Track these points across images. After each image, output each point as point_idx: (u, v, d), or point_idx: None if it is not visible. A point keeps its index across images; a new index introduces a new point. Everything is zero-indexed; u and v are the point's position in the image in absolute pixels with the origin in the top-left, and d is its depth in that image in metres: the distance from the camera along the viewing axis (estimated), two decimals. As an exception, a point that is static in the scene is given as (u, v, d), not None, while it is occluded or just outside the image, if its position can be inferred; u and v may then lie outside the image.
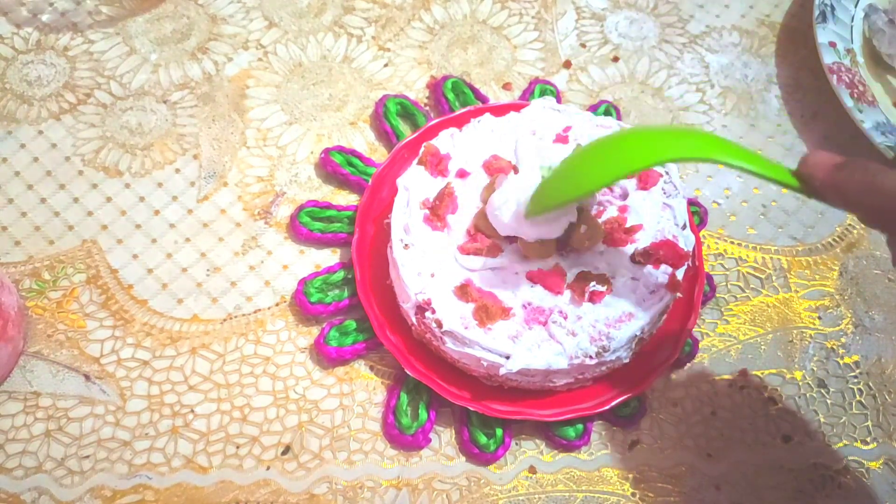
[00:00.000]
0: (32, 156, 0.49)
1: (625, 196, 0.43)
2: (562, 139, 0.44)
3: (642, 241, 0.41)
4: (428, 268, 0.40)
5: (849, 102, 0.51)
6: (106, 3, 0.54)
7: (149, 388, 0.43)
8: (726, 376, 0.46)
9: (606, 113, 0.52)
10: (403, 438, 0.42)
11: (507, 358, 0.38)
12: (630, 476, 0.43)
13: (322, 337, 0.44)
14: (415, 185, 0.43)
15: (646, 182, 0.43)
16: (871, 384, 0.47)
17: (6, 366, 0.42)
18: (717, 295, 0.48)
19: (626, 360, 0.41)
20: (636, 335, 0.40)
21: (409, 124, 0.51)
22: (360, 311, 0.44)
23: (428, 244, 0.41)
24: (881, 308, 0.49)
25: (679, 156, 0.32)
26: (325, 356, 0.44)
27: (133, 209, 0.48)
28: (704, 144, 0.33)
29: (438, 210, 0.41)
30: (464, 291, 0.39)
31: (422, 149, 0.44)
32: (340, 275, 0.46)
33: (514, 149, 0.42)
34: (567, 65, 0.55)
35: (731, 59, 0.57)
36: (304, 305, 0.44)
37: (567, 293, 0.40)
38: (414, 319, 0.40)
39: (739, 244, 0.50)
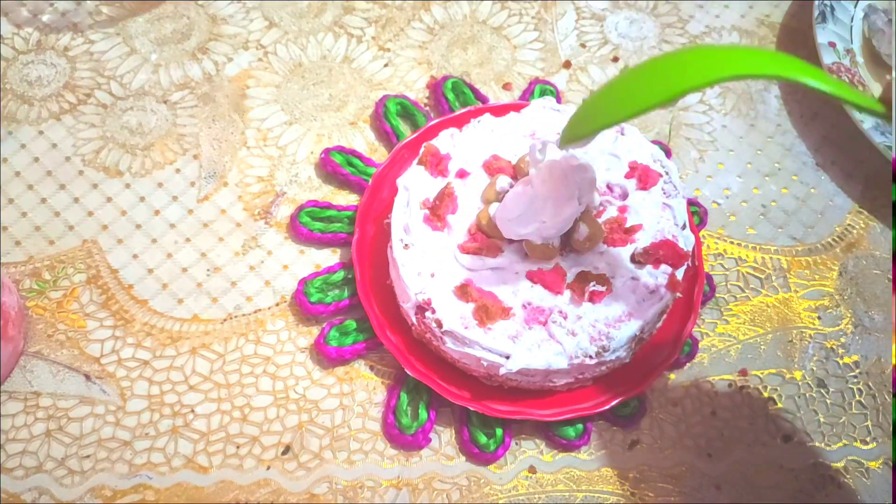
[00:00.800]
0: (33, 156, 0.49)
1: (625, 196, 0.43)
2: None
3: (642, 241, 0.41)
4: (428, 268, 0.40)
5: (849, 102, 0.51)
6: (106, 3, 0.55)
7: (149, 388, 0.43)
8: (726, 376, 0.46)
9: (606, 113, 0.52)
10: (403, 438, 0.42)
11: (507, 358, 0.38)
12: (630, 476, 0.43)
13: (322, 337, 0.44)
14: (415, 185, 0.43)
15: (645, 182, 0.43)
16: (870, 384, 0.47)
17: (7, 366, 0.42)
18: (717, 295, 0.48)
19: (626, 360, 0.41)
20: (636, 335, 0.40)
21: (409, 124, 0.51)
22: (360, 311, 0.44)
23: (428, 244, 0.41)
24: (881, 308, 0.49)
25: (752, 71, 0.29)
26: (325, 356, 0.44)
27: (133, 209, 0.48)
28: (780, 62, 0.29)
29: (438, 210, 0.41)
30: (464, 291, 0.40)
31: (422, 149, 0.44)
32: (340, 275, 0.46)
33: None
34: (567, 65, 0.56)
35: (730, 59, 0.57)
36: (304, 305, 0.44)
37: (567, 293, 0.40)
38: (414, 319, 0.41)
39: (739, 244, 0.50)
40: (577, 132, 0.34)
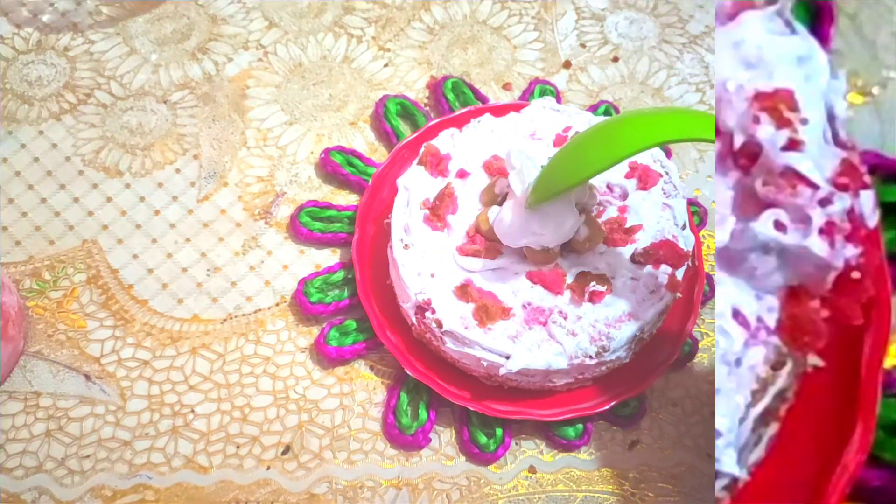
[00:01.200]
0: (33, 156, 0.49)
1: (625, 196, 0.43)
2: (562, 139, 0.44)
3: (642, 241, 0.41)
4: (428, 268, 0.40)
5: (848, 102, 0.51)
6: (106, 3, 0.55)
7: (149, 388, 0.43)
8: (726, 376, 0.46)
9: (606, 113, 0.52)
10: (403, 438, 0.42)
11: (507, 358, 0.38)
12: (630, 476, 0.43)
13: (322, 337, 0.44)
14: (415, 185, 0.43)
15: (645, 182, 0.43)
16: (870, 384, 0.47)
17: (7, 366, 0.42)
18: (717, 295, 0.48)
19: (626, 360, 0.41)
20: (636, 335, 0.40)
21: (409, 124, 0.51)
22: (360, 311, 0.44)
23: (428, 244, 0.41)
24: (881, 308, 0.49)
25: (675, 137, 0.33)
26: (325, 356, 0.44)
27: (133, 209, 0.48)
28: (699, 124, 0.33)
29: (438, 210, 0.41)
30: (464, 291, 0.40)
31: (422, 149, 0.44)
32: (340, 275, 0.46)
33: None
34: (567, 65, 0.56)
35: (730, 59, 0.57)
36: (304, 305, 0.44)
37: (567, 293, 0.40)
38: (414, 319, 0.41)
39: (739, 244, 0.50)
40: (541, 195, 0.37)
